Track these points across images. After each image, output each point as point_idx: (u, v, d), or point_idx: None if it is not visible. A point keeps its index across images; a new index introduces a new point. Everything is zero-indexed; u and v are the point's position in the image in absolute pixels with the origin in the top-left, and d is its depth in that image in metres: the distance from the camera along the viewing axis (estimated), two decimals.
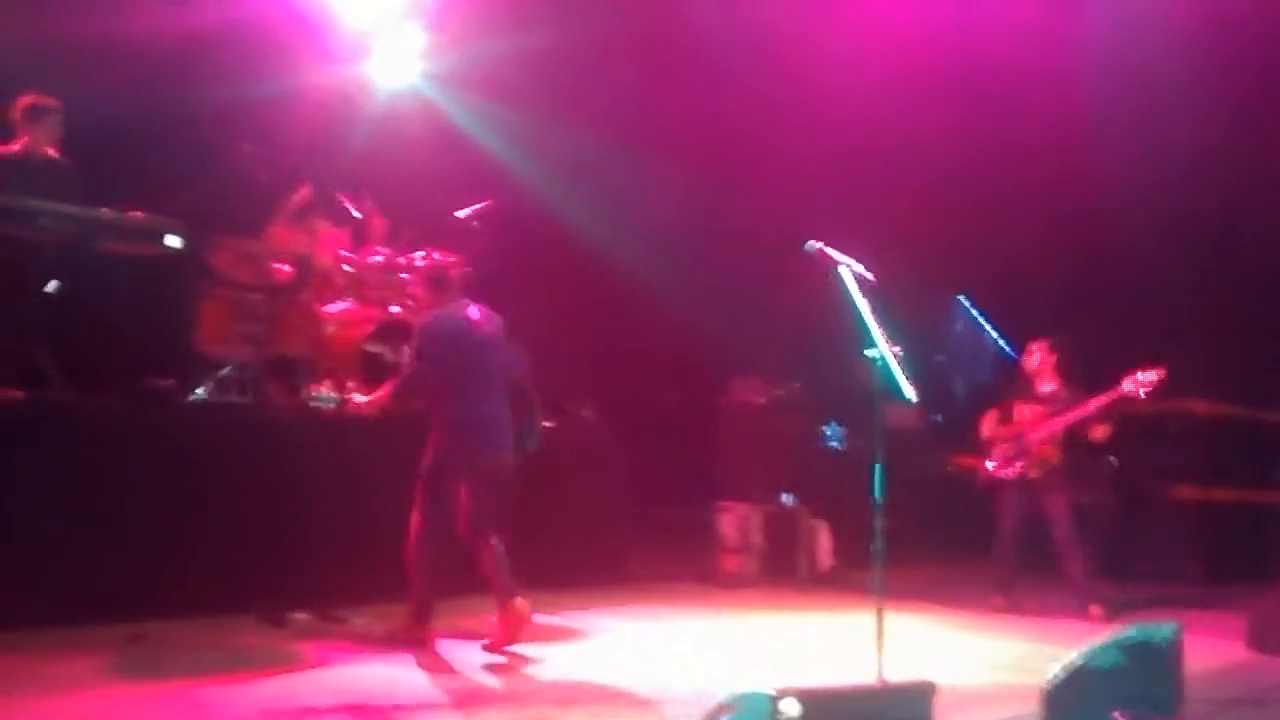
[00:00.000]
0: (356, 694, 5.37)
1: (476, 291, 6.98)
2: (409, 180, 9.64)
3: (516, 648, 6.42)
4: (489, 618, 6.58)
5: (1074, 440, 8.38)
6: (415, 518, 6.47)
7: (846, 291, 5.22)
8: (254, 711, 5.05)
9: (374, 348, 8.46)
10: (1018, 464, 8.48)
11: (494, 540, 6.46)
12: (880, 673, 4.94)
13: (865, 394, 5.42)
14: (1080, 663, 4.65)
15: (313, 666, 5.90)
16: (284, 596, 6.82)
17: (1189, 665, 4.97)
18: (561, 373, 9.53)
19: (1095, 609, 8.16)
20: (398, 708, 5.21)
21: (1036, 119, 10.71)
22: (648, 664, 6.33)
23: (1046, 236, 11.34)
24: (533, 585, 7.90)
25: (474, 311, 6.71)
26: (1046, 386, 8.61)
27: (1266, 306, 10.33)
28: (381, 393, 6.68)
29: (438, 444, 6.51)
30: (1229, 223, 10.84)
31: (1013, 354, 11.36)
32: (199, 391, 7.61)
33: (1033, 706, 4.66)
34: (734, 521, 9.59)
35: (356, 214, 8.90)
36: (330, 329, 8.39)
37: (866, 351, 5.21)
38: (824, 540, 9.97)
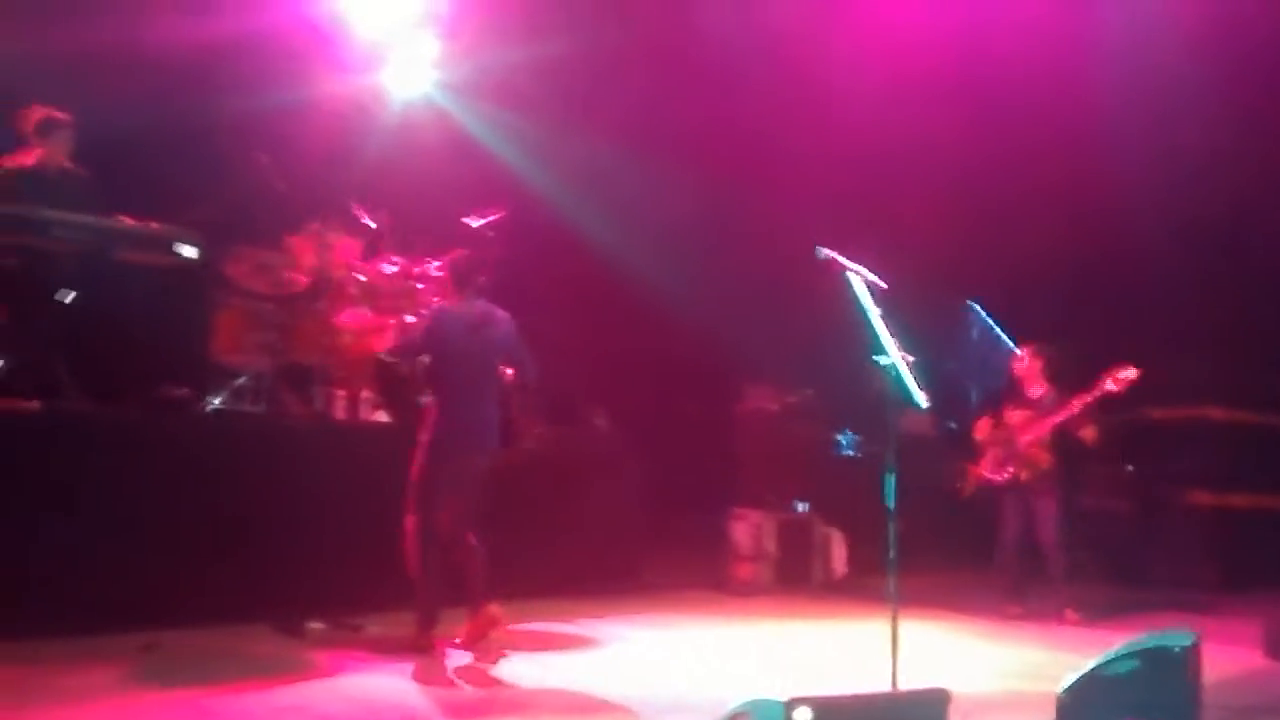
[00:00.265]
0: (371, 702, 5.39)
1: (491, 297, 7.00)
2: (423, 189, 9.67)
3: (531, 655, 6.44)
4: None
5: (1066, 444, 8.42)
6: (409, 522, 6.48)
7: (857, 298, 5.23)
8: None
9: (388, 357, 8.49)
10: (1009, 468, 8.51)
11: (472, 540, 6.48)
12: (894, 680, 4.93)
13: (878, 401, 5.42)
14: (1095, 670, 4.63)
15: (328, 675, 5.90)
16: (299, 605, 6.83)
17: (1205, 672, 4.93)
18: (575, 380, 9.55)
19: (1070, 613, 8.22)
20: (412, 716, 5.22)
21: (1046, 124, 10.71)
22: (661, 672, 6.33)
23: (1056, 241, 11.33)
24: (547, 593, 7.94)
25: (482, 312, 6.72)
26: (1036, 390, 8.67)
27: (1276, 310, 10.27)
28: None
29: (425, 446, 6.53)
30: (1238, 226, 10.80)
31: None
32: (214, 401, 7.64)
33: (1048, 714, 4.64)
34: (748, 529, 9.57)
35: (371, 224, 8.93)
36: (345, 338, 8.41)
37: (878, 358, 5.21)
38: (838, 548, 9.97)
